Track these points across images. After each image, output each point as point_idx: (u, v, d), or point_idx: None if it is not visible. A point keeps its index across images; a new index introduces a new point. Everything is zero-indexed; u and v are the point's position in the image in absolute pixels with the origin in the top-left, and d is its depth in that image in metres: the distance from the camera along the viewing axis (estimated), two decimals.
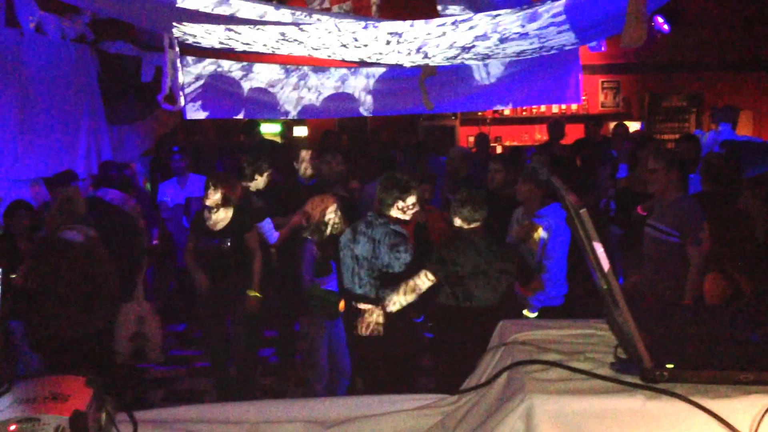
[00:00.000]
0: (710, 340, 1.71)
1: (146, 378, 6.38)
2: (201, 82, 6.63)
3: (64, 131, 7.25)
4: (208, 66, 6.63)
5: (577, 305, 5.09)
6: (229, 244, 5.39)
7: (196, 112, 6.64)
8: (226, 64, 6.70)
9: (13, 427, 1.18)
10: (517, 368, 1.69)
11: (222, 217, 5.40)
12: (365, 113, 6.87)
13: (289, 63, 6.96)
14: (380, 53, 5.30)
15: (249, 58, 6.86)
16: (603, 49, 5.46)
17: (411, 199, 4.49)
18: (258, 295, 5.45)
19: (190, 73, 6.41)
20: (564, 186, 1.74)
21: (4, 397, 1.30)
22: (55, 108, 7.09)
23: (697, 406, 1.45)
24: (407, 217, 4.52)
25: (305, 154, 6.66)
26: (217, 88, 6.71)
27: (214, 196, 5.29)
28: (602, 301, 1.85)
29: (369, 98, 6.80)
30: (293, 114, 6.87)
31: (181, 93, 5.79)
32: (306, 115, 7.02)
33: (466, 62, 5.85)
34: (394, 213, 4.48)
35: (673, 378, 1.52)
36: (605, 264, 1.52)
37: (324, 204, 5.10)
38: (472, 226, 4.44)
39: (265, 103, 6.89)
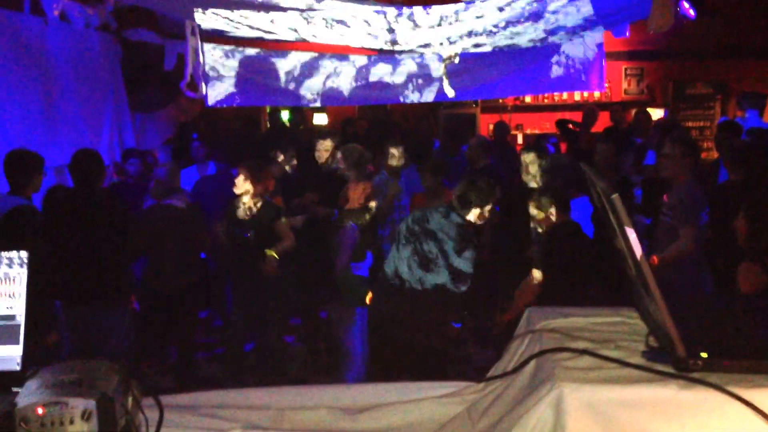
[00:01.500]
0: (745, 329, 1.67)
1: (165, 365, 6.41)
2: (224, 70, 6.64)
3: (87, 119, 7.28)
4: (231, 54, 6.64)
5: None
6: (252, 234, 5.40)
7: (218, 100, 6.65)
8: (251, 52, 6.71)
9: (40, 411, 1.18)
10: (545, 356, 1.67)
11: (249, 206, 5.41)
12: (386, 101, 6.85)
13: (310, 50, 6.96)
14: (405, 41, 5.27)
15: (271, 46, 6.86)
16: (627, 35, 5.36)
17: (488, 208, 4.47)
18: (275, 255, 5.38)
19: (212, 61, 6.42)
20: (594, 172, 1.71)
21: (32, 381, 1.30)
22: (79, 96, 7.11)
23: (732, 396, 1.42)
24: (480, 222, 4.50)
25: (326, 144, 6.60)
26: (240, 76, 6.71)
27: (244, 185, 5.33)
28: (632, 289, 1.82)
29: (391, 86, 6.77)
30: (318, 102, 6.87)
31: (202, 80, 5.80)
32: (329, 102, 7.01)
33: (487, 49, 5.79)
34: (471, 217, 4.43)
35: (707, 367, 1.48)
36: (638, 250, 1.48)
37: (366, 191, 5.15)
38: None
39: (288, 91, 6.89)
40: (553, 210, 4.55)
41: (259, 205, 5.42)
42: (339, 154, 6.08)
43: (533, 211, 4.67)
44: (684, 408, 1.45)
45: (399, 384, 2.02)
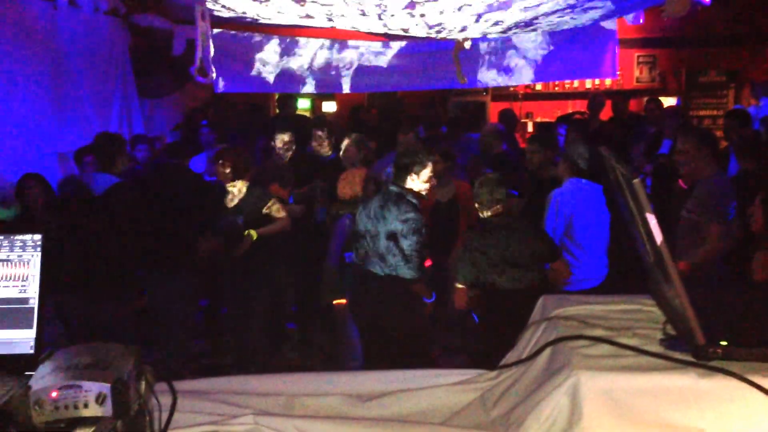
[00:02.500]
0: (764, 317, 1.65)
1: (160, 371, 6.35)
2: (232, 56, 6.61)
3: (96, 105, 7.27)
4: (239, 40, 6.61)
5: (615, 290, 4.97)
6: (241, 221, 5.33)
7: (226, 86, 6.62)
8: (259, 38, 6.68)
9: (54, 394, 1.17)
10: (561, 343, 1.65)
11: (235, 192, 5.37)
12: (393, 88, 6.81)
13: (318, 37, 6.92)
14: (413, 25, 5.22)
15: (281, 32, 6.82)
16: (641, 21, 5.29)
17: (428, 171, 4.44)
18: (254, 235, 5.28)
19: (222, 47, 6.38)
20: (614, 156, 1.68)
21: (46, 364, 1.29)
22: (88, 81, 7.11)
23: (752, 385, 1.40)
24: (422, 190, 4.46)
25: (322, 133, 6.53)
26: (248, 63, 6.69)
27: (223, 171, 5.28)
28: (648, 276, 1.80)
29: (398, 72, 6.72)
30: (318, 89, 6.83)
31: (212, 66, 5.76)
32: (329, 89, 6.98)
33: (500, 35, 5.74)
34: (415, 185, 4.44)
35: (726, 355, 1.47)
36: (658, 236, 1.46)
37: (355, 179, 5.09)
38: (492, 210, 4.38)
39: (292, 77, 6.86)
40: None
41: (244, 189, 5.37)
42: (346, 143, 6.03)
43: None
44: (703, 396, 1.43)
45: (411, 372, 2.00)
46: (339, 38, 6.93)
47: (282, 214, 5.43)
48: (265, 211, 5.36)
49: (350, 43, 6.80)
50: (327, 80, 6.91)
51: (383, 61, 6.75)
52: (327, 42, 6.86)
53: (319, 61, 6.85)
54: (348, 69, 6.73)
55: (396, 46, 6.66)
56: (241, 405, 1.83)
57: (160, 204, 5.18)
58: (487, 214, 4.45)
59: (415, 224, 4.29)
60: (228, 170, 5.26)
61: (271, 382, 1.97)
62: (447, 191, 5.68)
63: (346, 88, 6.90)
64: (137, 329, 5.11)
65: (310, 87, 6.92)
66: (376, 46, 6.73)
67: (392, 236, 4.33)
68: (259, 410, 1.78)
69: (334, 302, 5.11)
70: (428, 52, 6.40)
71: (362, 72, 6.70)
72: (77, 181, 5.54)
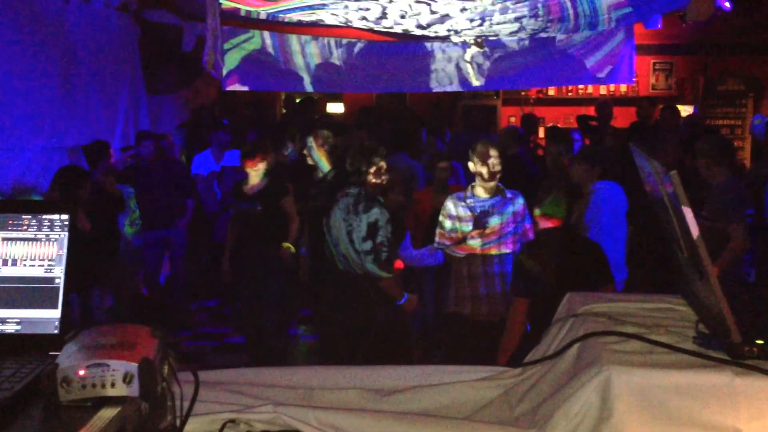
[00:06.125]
0: None
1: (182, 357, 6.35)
2: (241, 55, 6.59)
3: (104, 99, 7.24)
4: (249, 38, 6.59)
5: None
6: (259, 207, 5.55)
7: (234, 85, 6.60)
8: (267, 36, 6.65)
9: (82, 372, 1.14)
10: (590, 340, 1.62)
11: (256, 182, 5.60)
12: (404, 89, 6.77)
13: (327, 35, 6.89)
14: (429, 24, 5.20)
15: (288, 29, 6.79)
16: (659, 26, 5.25)
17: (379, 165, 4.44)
18: (291, 248, 5.58)
19: (231, 45, 6.37)
20: (646, 150, 1.65)
21: (72, 343, 1.27)
22: (97, 76, 7.08)
23: None
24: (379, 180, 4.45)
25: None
26: (257, 61, 6.66)
27: (257, 163, 5.53)
28: (679, 274, 1.76)
29: (409, 73, 6.68)
30: (323, 87, 6.81)
31: (221, 61, 5.74)
32: (345, 89, 6.95)
33: (517, 36, 5.70)
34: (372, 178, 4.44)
35: (763, 355, 1.44)
36: (695, 230, 1.43)
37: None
38: (550, 222, 4.09)
39: (300, 77, 6.84)
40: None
41: (266, 180, 5.60)
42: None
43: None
44: (739, 396, 1.40)
45: (433, 367, 1.97)
46: (336, 35, 6.88)
47: (294, 213, 5.63)
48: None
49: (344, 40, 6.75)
50: (326, 79, 6.87)
51: (394, 62, 6.71)
52: (328, 39, 6.81)
53: (317, 60, 6.82)
54: (359, 69, 6.71)
55: (406, 46, 6.63)
56: (258, 396, 1.80)
57: None
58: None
59: (380, 221, 4.30)
60: (257, 160, 5.50)
61: (288, 375, 1.95)
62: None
63: (363, 87, 6.89)
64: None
65: (308, 86, 6.92)
66: (383, 46, 6.69)
67: (364, 233, 4.32)
68: (276, 402, 1.76)
69: None
70: (443, 52, 6.34)
71: (371, 72, 6.66)
72: None
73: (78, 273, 5.23)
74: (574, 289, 1.91)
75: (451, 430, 1.63)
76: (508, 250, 4.61)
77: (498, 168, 4.52)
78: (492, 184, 4.57)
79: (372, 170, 4.38)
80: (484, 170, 4.51)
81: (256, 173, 5.58)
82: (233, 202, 5.85)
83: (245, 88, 7.07)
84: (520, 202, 4.67)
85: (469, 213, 4.61)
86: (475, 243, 4.58)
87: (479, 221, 4.58)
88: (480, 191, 4.64)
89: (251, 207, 5.56)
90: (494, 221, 4.58)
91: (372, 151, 4.45)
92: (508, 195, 4.67)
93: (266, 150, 5.63)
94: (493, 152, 4.50)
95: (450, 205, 4.69)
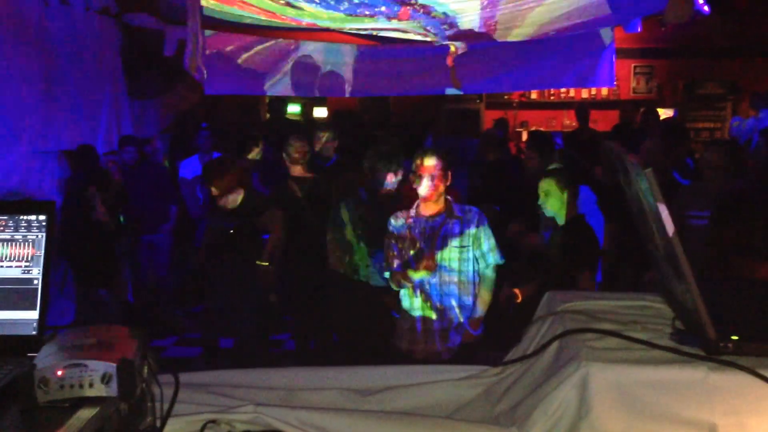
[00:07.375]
0: None
1: (161, 359, 6.30)
2: (224, 58, 6.58)
3: (85, 104, 7.20)
4: (230, 41, 6.57)
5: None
6: (232, 227, 5.20)
7: (216, 88, 6.58)
8: (249, 39, 6.65)
9: (60, 372, 1.14)
10: (569, 337, 1.63)
11: (231, 199, 5.20)
12: (387, 93, 6.78)
13: (311, 39, 6.90)
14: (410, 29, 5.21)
15: (271, 34, 6.80)
16: (639, 30, 5.29)
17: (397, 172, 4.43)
18: (265, 264, 5.20)
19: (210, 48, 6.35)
20: (622, 148, 1.67)
21: (50, 344, 1.27)
22: (78, 80, 7.03)
23: (763, 379, 1.39)
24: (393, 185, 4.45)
25: (323, 135, 6.50)
26: (240, 65, 6.65)
27: (213, 189, 5.16)
28: (657, 271, 1.78)
29: (390, 77, 6.69)
30: (316, 92, 6.80)
31: (202, 64, 5.72)
32: (330, 93, 6.94)
33: (497, 39, 5.72)
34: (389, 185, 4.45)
35: (737, 350, 1.45)
36: (670, 228, 1.44)
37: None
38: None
39: (284, 80, 6.83)
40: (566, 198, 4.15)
41: (239, 198, 5.20)
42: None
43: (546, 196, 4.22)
44: (714, 391, 1.42)
45: (413, 367, 1.98)
46: (325, 40, 6.90)
47: (276, 225, 5.27)
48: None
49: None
50: (303, 82, 6.87)
51: (373, 66, 6.72)
52: (313, 44, 6.82)
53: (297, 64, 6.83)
54: (341, 73, 6.72)
55: (386, 50, 6.64)
56: (239, 397, 1.80)
57: None
58: None
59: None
60: (217, 192, 5.11)
61: (270, 376, 1.94)
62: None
63: (347, 92, 6.89)
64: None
65: (285, 89, 6.92)
66: (363, 49, 6.70)
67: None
68: (258, 402, 1.76)
69: None
70: (422, 57, 6.37)
71: (355, 76, 6.67)
72: None
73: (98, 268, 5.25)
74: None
75: (432, 429, 1.64)
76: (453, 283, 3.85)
77: (440, 182, 3.78)
78: (432, 201, 3.83)
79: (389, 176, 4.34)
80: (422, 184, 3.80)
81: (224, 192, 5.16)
82: (208, 215, 5.52)
83: (226, 92, 7.06)
84: (473, 222, 3.85)
85: (406, 232, 3.87)
86: (415, 274, 3.79)
87: (417, 245, 3.82)
88: (423, 208, 3.89)
89: (224, 225, 5.24)
90: (437, 245, 3.81)
91: (392, 156, 4.41)
92: (457, 213, 3.87)
93: (226, 168, 5.19)
94: (429, 161, 3.75)
95: (392, 221, 3.97)
